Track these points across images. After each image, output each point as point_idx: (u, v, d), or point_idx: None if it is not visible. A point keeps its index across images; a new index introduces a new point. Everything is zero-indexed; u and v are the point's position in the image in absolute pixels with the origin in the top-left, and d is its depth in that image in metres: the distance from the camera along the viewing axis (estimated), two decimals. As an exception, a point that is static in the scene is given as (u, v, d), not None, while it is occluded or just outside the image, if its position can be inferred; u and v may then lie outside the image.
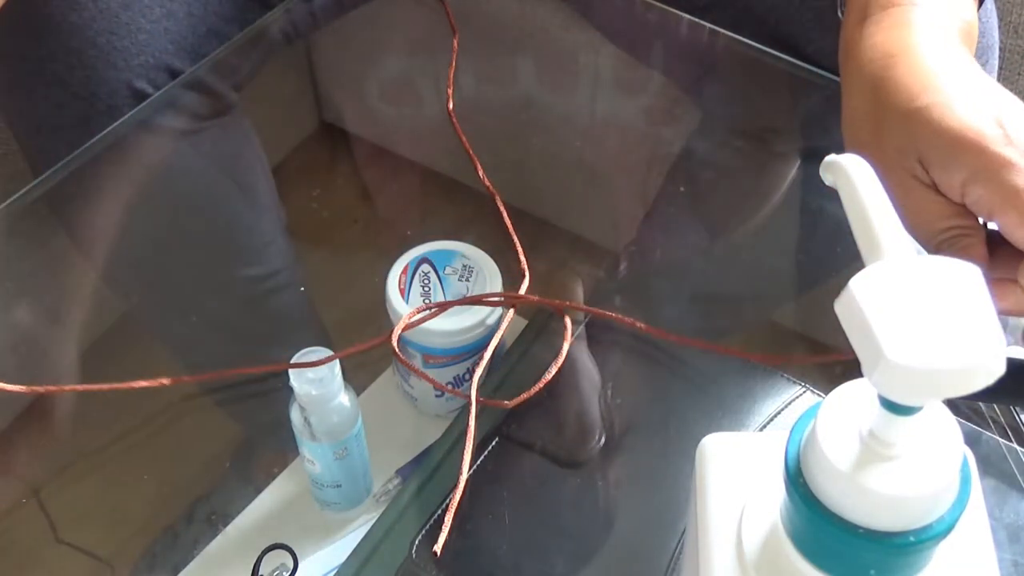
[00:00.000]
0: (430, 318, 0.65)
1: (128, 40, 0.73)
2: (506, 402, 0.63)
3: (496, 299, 0.65)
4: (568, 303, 0.64)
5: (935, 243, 0.52)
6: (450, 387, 0.69)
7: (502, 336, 0.67)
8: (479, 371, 0.65)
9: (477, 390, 0.64)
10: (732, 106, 0.83)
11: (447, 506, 0.60)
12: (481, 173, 0.75)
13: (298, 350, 0.61)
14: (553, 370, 0.65)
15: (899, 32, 0.57)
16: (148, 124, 0.74)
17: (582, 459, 0.65)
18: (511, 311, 0.68)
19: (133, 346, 0.81)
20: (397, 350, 0.65)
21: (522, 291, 0.68)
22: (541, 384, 0.64)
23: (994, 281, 0.51)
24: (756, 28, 0.75)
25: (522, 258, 0.70)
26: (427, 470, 0.64)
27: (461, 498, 0.60)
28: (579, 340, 0.69)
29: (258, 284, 0.82)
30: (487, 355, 0.66)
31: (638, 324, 0.56)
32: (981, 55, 0.77)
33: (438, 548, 0.58)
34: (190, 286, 0.80)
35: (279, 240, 0.84)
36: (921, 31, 0.57)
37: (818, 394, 0.65)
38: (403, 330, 0.65)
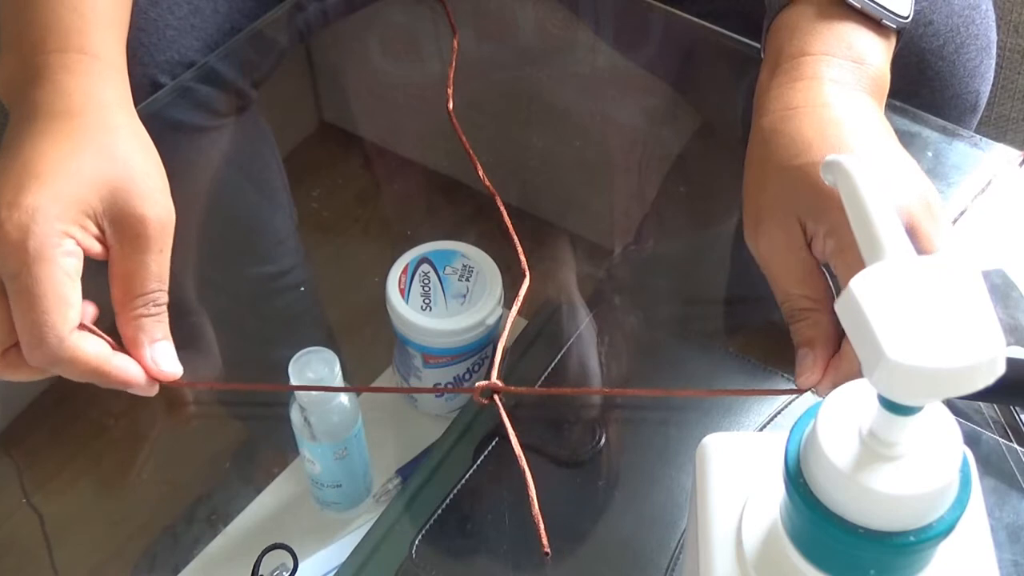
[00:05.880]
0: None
1: (155, 36, 0.73)
2: (484, 400, 0.61)
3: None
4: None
5: (785, 305, 0.54)
6: (451, 386, 0.69)
7: (505, 337, 0.67)
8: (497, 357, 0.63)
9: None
10: (732, 108, 0.83)
11: (447, 506, 0.60)
12: (481, 173, 0.75)
13: (301, 350, 0.61)
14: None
15: (802, 84, 0.59)
16: (168, 119, 0.74)
17: (582, 459, 0.65)
18: (512, 311, 0.68)
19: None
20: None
21: (522, 291, 0.68)
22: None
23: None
24: (756, 31, 0.75)
25: (522, 258, 0.69)
26: (427, 470, 0.64)
27: (461, 498, 0.60)
28: (582, 338, 0.69)
29: (269, 283, 0.82)
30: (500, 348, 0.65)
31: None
32: (977, 55, 0.77)
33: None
34: (202, 281, 0.80)
35: (291, 239, 0.84)
36: (823, 84, 0.58)
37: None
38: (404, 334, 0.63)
